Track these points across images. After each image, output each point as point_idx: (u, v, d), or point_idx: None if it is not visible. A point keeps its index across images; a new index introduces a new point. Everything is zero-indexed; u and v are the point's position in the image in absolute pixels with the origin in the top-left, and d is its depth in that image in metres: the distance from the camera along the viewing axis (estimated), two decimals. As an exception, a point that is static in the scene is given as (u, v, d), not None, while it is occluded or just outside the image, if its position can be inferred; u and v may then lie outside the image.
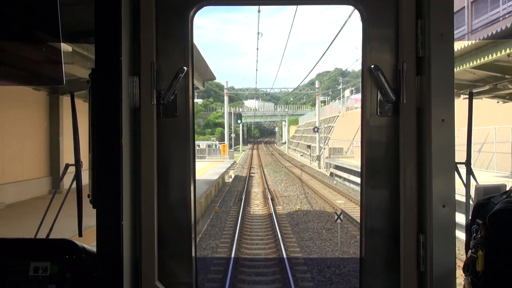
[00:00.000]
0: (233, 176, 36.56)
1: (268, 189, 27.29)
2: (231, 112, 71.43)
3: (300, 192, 26.99)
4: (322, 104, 72.89)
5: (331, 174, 37.15)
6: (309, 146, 55.96)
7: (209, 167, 33.31)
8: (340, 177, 33.18)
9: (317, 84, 61.80)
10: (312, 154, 54.11)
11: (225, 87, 58.49)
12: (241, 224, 16.96)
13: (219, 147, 49.75)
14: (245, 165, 48.86)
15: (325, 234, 15.96)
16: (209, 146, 51.87)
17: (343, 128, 51.21)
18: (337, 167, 35.29)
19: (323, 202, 22.82)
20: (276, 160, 59.14)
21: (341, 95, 70.25)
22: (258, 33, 45.67)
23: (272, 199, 23.11)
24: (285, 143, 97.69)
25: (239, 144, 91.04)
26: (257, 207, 21.62)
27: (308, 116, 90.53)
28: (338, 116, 58.36)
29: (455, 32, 2.36)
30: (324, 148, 48.24)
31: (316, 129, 50.89)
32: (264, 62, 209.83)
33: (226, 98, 59.25)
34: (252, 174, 38.50)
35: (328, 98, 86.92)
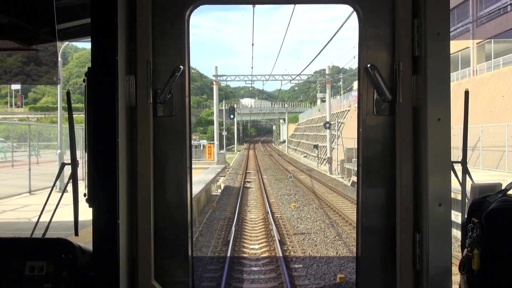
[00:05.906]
0: (222, 187, 30.79)
1: (272, 215, 18.55)
2: (223, 109, 60.12)
3: (324, 223, 16.98)
4: (323, 101, 63.74)
5: (353, 183, 26.53)
6: (316, 146, 45.86)
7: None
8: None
9: (327, 70, 50.84)
10: (320, 156, 43.32)
11: (213, 73, 46.82)
12: None
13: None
14: (239, 170, 39.52)
15: None
16: (189, 147, 40.21)
17: (355, 124, 40.13)
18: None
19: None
20: (276, 162, 49.14)
21: (350, 86, 59.58)
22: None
23: (282, 242, 14.18)
24: (284, 142, 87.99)
25: (233, 144, 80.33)
26: (256, 264, 13.42)
27: (309, 113, 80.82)
28: (349, 110, 48.18)
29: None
30: (333, 148, 37.53)
31: (327, 125, 41.03)
32: (260, 61, 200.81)
33: (215, 87, 49.27)
34: (248, 184, 33.08)
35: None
